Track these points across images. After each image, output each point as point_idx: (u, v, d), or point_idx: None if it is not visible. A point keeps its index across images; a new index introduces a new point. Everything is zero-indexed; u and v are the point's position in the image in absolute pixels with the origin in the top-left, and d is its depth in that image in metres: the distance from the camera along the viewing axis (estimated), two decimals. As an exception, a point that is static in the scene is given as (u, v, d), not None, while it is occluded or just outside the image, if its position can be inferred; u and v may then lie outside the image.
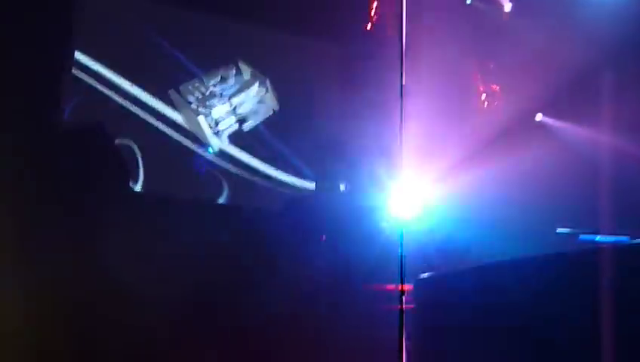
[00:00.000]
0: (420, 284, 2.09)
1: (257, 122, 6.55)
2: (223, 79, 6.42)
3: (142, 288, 3.71)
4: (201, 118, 6.25)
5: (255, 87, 6.55)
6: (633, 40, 6.07)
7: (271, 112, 6.59)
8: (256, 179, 6.43)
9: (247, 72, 6.55)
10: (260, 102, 6.59)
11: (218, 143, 6.30)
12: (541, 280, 1.84)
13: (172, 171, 6.01)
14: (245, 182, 6.37)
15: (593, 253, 1.84)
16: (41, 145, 4.05)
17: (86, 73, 5.73)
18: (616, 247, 1.78)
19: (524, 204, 5.58)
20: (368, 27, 7.16)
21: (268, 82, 6.59)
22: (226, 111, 6.39)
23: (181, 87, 6.22)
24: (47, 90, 4.78)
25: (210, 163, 6.25)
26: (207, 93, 6.35)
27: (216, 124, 6.33)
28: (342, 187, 5.56)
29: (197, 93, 6.30)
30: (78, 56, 5.71)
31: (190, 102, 6.24)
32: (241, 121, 6.48)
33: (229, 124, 6.42)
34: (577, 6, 6.53)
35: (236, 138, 6.44)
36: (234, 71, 6.50)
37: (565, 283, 1.80)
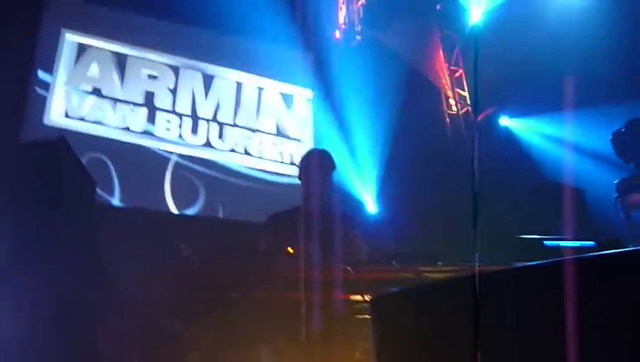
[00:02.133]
0: (376, 303, 2.10)
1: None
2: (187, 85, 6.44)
3: (119, 304, 3.71)
4: (169, 125, 6.25)
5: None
6: (600, 47, 6.20)
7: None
8: (235, 180, 6.43)
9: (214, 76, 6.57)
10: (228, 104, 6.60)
11: (188, 150, 6.31)
12: (515, 294, 1.82)
13: (148, 182, 6.00)
14: (222, 185, 6.35)
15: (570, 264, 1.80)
16: (7, 163, 4.03)
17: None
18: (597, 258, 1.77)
19: (486, 207, 5.66)
20: (337, 35, 7.23)
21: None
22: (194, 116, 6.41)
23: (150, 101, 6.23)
24: (12, 109, 4.79)
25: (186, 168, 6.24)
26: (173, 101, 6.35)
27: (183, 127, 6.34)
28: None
29: (164, 101, 6.30)
30: (42, 75, 5.69)
31: (157, 110, 6.24)
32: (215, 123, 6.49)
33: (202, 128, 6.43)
34: (545, 15, 6.66)
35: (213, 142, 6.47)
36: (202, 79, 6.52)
37: (541, 296, 1.74)
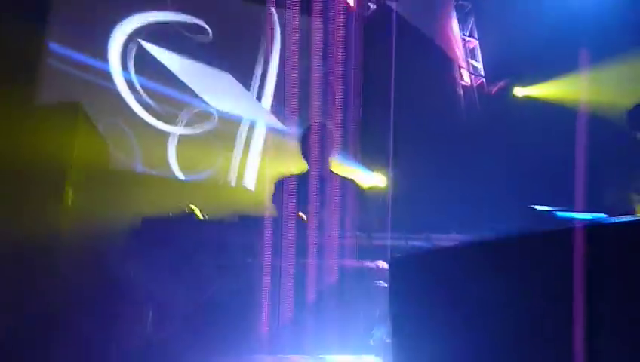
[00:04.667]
0: (394, 264, 2.10)
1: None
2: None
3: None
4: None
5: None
6: (618, 19, 6.13)
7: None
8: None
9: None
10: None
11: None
12: (523, 260, 1.83)
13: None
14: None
15: (582, 230, 1.79)
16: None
17: (64, 62, 5.67)
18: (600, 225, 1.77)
19: (501, 180, 5.67)
20: (351, 4, 7.13)
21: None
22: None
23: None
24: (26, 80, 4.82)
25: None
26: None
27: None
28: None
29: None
30: (54, 46, 5.65)
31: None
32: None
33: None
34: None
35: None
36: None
37: (550, 263, 1.74)
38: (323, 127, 4.17)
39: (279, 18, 6.70)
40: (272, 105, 6.68)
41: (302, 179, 3.96)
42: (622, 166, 5.05)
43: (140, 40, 6.03)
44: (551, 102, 6.70)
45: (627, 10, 5.91)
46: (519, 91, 7.12)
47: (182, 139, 6.17)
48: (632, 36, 5.72)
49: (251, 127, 6.56)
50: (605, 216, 4.67)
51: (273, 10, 6.66)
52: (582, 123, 6.07)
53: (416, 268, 1.99)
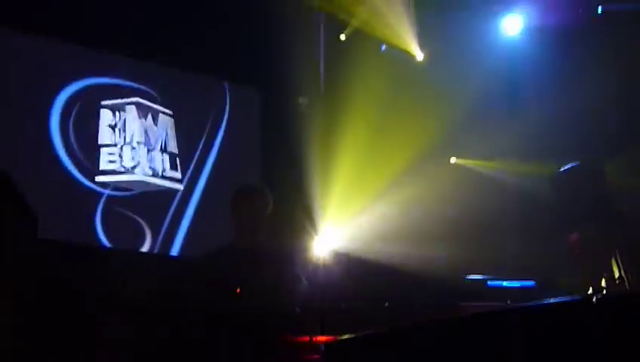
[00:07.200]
0: (329, 350, 2.09)
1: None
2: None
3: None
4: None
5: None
6: (527, 77, 6.50)
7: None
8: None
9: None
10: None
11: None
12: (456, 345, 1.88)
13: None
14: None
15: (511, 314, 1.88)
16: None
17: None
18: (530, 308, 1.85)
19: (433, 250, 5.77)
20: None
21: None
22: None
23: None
24: None
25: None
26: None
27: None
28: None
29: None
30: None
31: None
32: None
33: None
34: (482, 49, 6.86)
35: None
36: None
37: (481, 348, 1.85)
38: (259, 190, 3.98)
39: (230, 92, 6.74)
40: (211, 173, 6.60)
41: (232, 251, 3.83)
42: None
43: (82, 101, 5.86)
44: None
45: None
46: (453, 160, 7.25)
47: (111, 202, 5.95)
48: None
49: (187, 192, 6.43)
50: (533, 283, 4.82)
51: (226, 84, 6.70)
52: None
53: (350, 353, 1.98)
